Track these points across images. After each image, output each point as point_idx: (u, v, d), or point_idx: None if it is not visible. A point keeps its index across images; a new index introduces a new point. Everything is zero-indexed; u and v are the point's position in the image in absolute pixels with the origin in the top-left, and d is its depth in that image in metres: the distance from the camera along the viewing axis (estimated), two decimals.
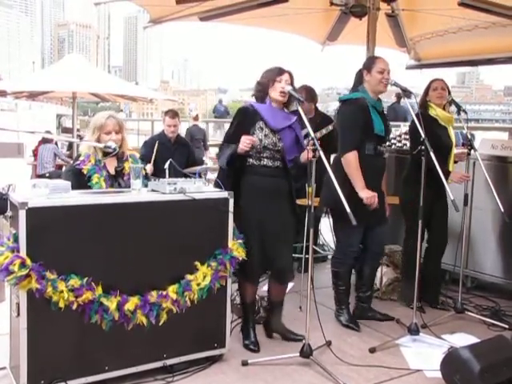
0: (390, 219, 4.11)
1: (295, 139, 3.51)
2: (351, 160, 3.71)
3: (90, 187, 3.29)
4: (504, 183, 4.57)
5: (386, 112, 4.15)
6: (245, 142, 3.30)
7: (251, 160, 3.46)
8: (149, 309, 2.98)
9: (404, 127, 4.44)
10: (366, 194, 3.67)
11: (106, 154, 3.37)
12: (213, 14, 5.55)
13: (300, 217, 3.65)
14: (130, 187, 3.21)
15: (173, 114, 5.42)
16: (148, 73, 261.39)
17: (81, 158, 3.40)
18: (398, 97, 10.41)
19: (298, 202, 3.66)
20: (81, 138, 10.39)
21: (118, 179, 3.42)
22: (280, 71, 3.45)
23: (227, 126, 3.84)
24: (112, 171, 3.43)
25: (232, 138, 3.43)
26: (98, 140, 3.39)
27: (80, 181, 3.30)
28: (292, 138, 3.49)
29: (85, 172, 3.34)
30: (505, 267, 4.64)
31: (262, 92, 3.49)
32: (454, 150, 4.26)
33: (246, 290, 3.60)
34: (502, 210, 3.82)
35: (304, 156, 3.41)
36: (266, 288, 3.92)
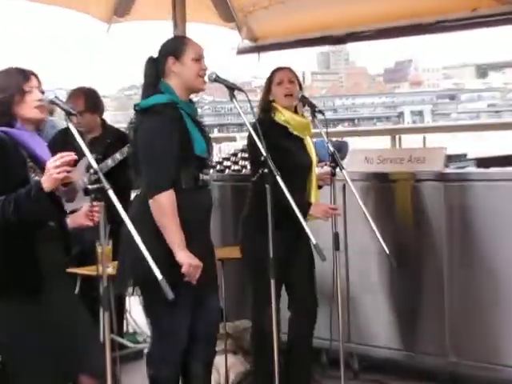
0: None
1: None
2: (165, 205, 2.69)
3: None
4: (388, 211, 3.69)
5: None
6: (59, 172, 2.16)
7: None
8: None
9: (241, 140, 3.37)
10: (187, 259, 2.65)
11: None
12: None
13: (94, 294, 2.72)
14: None
15: None
16: None
17: None
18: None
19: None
20: None
21: None
22: (25, 75, 2.46)
23: None
24: None
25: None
26: None
27: None
28: None
29: None
30: (402, 335, 3.66)
31: (6, 115, 2.38)
32: (316, 170, 3.39)
33: None
34: (387, 251, 2.99)
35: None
36: None
